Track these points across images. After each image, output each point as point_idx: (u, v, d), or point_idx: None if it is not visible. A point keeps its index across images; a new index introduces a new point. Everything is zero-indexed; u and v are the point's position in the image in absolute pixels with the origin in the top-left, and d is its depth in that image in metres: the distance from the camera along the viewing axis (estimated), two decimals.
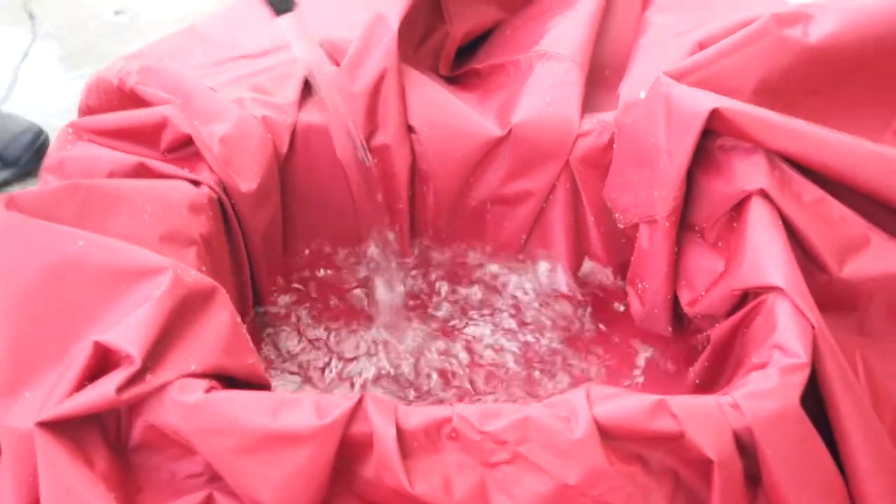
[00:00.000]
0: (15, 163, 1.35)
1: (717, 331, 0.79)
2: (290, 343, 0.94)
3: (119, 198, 0.77)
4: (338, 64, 0.94)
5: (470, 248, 0.99)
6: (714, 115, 0.81)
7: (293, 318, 0.95)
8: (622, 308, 0.95)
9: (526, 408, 0.67)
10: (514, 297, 0.97)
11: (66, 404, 0.66)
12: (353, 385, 0.90)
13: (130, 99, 0.94)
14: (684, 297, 0.85)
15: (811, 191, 0.80)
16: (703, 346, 0.82)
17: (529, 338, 0.94)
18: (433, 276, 0.98)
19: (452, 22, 1.03)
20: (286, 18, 0.85)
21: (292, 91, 0.94)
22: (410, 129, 0.93)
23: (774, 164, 0.81)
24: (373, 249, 0.98)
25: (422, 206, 0.96)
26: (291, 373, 0.91)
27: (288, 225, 0.94)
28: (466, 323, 0.96)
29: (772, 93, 0.87)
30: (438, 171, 0.94)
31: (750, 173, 0.80)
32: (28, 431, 0.68)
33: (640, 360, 0.91)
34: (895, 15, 0.92)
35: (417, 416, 0.67)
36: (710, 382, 0.80)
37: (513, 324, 0.95)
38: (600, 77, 0.99)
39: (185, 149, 0.86)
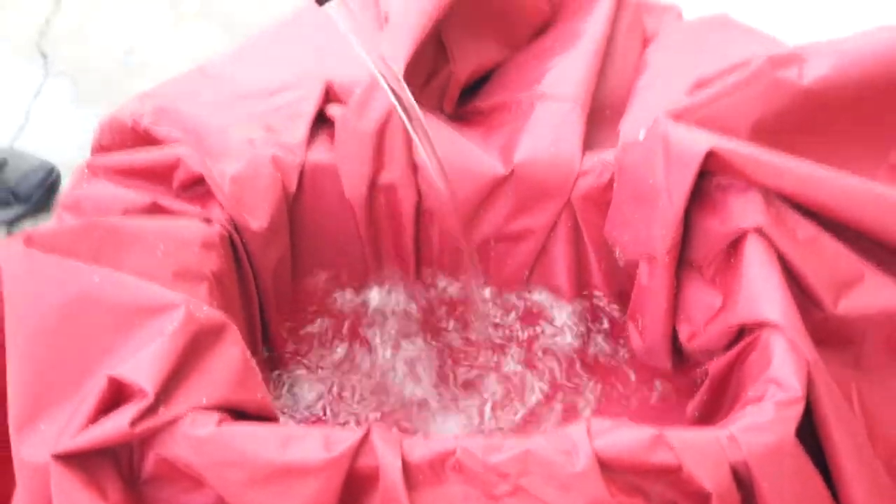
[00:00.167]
0: (27, 199, 1.38)
1: (715, 365, 0.81)
2: (300, 384, 0.95)
3: (133, 235, 0.80)
4: (346, 104, 0.96)
5: (474, 283, 1.01)
6: (711, 154, 0.83)
7: (301, 358, 0.97)
8: (622, 342, 0.97)
9: (528, 441, 0.69)
10: (518, 330, 0.99)
11: (80, 437, 0.68)
12: (358, 421, 0.92)
13: (144, 138, 0.96)
14: (683, 332, 0.87)
15: (806, 228, 0.82)
16: (702, 380, 0.83)
17: (532, 371, 0.96)
18: (441, 310, 1.00)
19: (456, 62, 1.05)
20: (331, 6, 0.82)
21: (301, 131, 0.96)
22: (416, 168, 0.95)
23: (770, 202, 0.83)
24: (374, 296, 1.00)
25: (427, 243, 0.98)
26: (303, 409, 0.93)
27: (297, 262, 0.96)
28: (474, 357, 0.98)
29: (768, 132, 0.90)
30: (443, 207, 0.96)
31: (746, 211, 0.82)
32: (43, 464, 0.70)
33: (641, 394, 0.93)
34: (887, 56, 0.95)
35: (422, 448, 0.69)
36: (709, 415, 0.82)
37: (520, 356, 0.97)
38: (601, 116, 1.01)
39: (197, 187, 0.88)
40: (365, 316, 1.00)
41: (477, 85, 1.09)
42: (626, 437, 0.68)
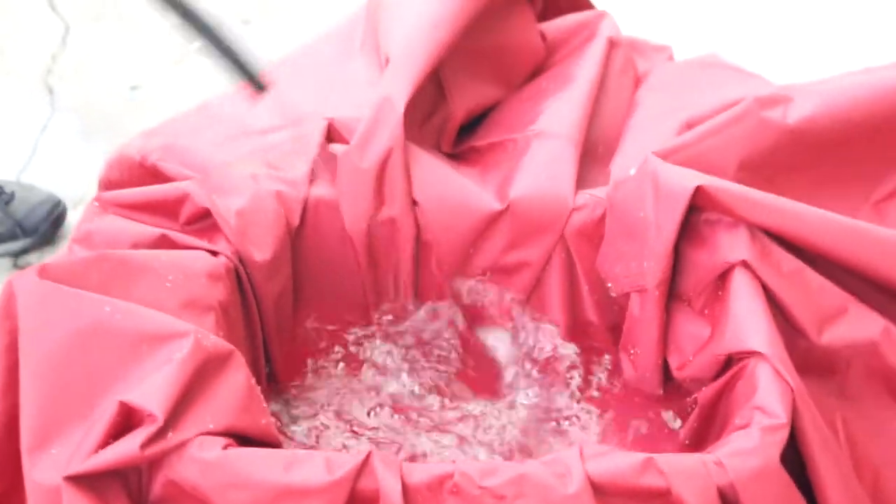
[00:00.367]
0: (34, 232, 1.40)
1: (704, 393, 0.83)
2: (299, 411, 0.98)
3: (143, 267, 0.83)
4: (347, 142, 1.00)
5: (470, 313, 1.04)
6: (698, 191, 0.86)
7: (303, 388, 1.00)
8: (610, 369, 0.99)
9: (523, 465, 0.72)
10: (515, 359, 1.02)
11: (92, 460, 0.71)
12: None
13: (151, 174, 1.00)
14: (674, 362, 0.90)
15: (790, 262, 0.86)
16: (692, 408, 0.86)
17: (528, 398, 0.98)
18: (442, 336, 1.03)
19: (454, 101, 1.09)
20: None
21: (303, 167, 0.99)
22: (415, 203, 0.98)
23: (756, 237, 0.86)
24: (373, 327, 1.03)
25: (426, 274, 1.01)
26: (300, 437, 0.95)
27: (298, 293, 0.99)
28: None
29: (753, 170, 0.93)
30: (441, 242, 0.99)
31: (733, 246, 0.85)
32: (54, 486, 0.72)
33: (633, 422, 0.95)
34: (867, 98, 0.99)
35: (421, 472, 0.72)
36: (699, 442, 0.85)
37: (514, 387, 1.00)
38: (593, 154, 1.05)
39: (203, 221, 0.91)
40: (363, 345, 1.02)
41: (474, 124, 1.13)
42: (618, 462, 0.71)
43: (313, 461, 0.71)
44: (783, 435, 0.73)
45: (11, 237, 1.40)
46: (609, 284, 0.96)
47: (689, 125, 1.00)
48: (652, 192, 0.89)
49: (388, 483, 0.71)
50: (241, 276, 0.90)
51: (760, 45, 1.77)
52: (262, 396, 0.80)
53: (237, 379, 0.78)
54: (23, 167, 1.56)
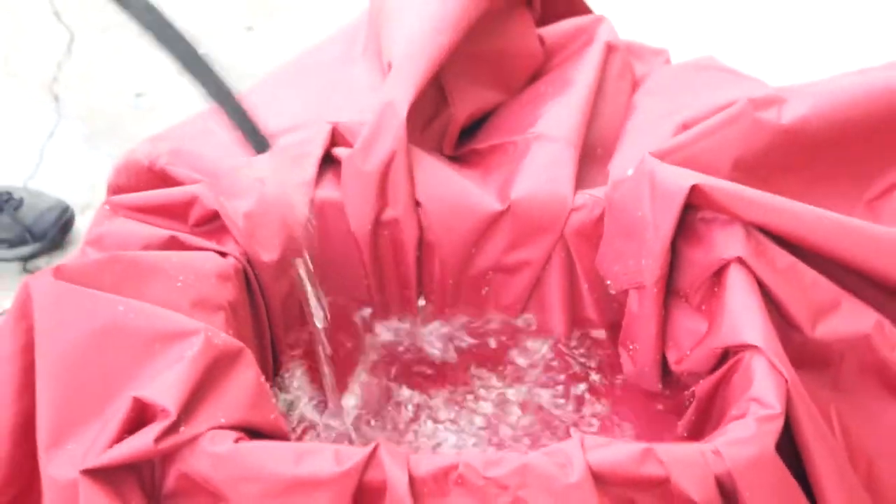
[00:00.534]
0: (42, 237, 1.43)
1: (701, 387, 0.86)
2: (304, 406, 1.00)
3: (154, 268, 0.85)
4: (351, 146, 1.02)
5: (473, 313, 1.06)
6: (694, 190, 0.88)
7: (308, 383, 1.02)
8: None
9: (526, 455, 0.74)
10: (516, 358, 1.04)
11: (108, 454, 0.73)
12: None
13: (160, 178, 1.02)
14: (672, 357, 0.92)
15: (784, 258, 0.88)
16: (690, 402, 0.88)
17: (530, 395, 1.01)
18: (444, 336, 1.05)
19: (455, 105, 1.11)
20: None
21: (309, 169, 1.02)
22: (418, 205, 1.01)
23: (750, 234, 0.88)
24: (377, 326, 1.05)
25: (429, 274, 1.03)
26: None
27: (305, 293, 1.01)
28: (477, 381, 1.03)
29: (748, 170, 0.95)
30: (444, 242, 1.01)
31: (728, 243, 0.87)
32: (70, 481, 0.74)
33: (632, 416, 0.97)
34: (861, 99, 1.01)
35: (427, 463, 0.74)
36: (697, 434, 0.86)
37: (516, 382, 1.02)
38: (592, 156, 1.07)
39: (212, 223, 0.94)
40: (368, 344, 1.04)
41: (474, 127, 1.15)
42: (618, 451, 0.73)
43: (322, 453, 0.73)
44: (778, 424, 0.75)
45: (21, 242, 1.43)
46: (608, 282, 0.98)
47: (685, 126, 1.02)
48: (649, 192, 0.91)
49: (395, 475, 0.73)
50: (249, 277, 0.93)
51: (756, 48, 1.80)
52: (270, 392, 0.82)
53: (247, 375, 0.80)
54: (30, 174, 1.59)
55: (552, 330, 1.03)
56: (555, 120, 1.07)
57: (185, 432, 0.74)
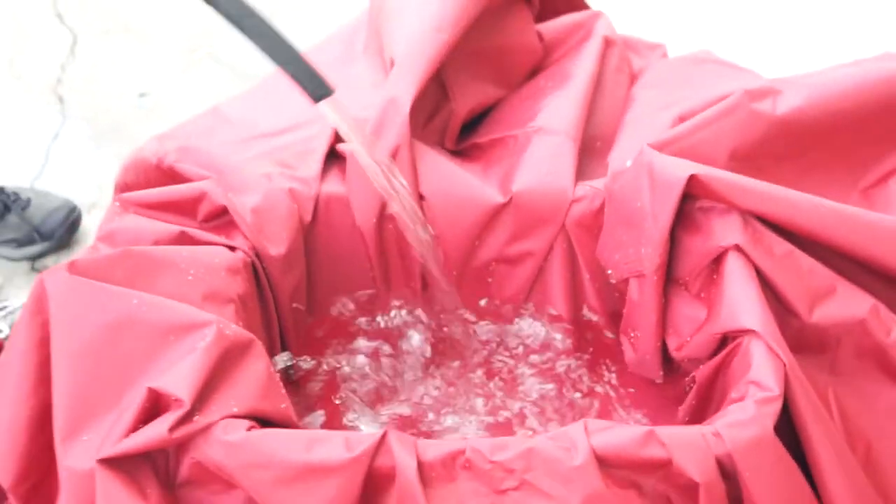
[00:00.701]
0: (50, 236, 1.44)
1: (701, 372, 0.87)
2: (312, 395, 1.02)
3: (165, 262, 0.87)
4: None
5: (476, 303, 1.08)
6: (692, 180, 0.90)
7: (315, 373, 1.04)
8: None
9: (531, 440, 0.76)
10: (520, 346, 1.06)
11: (124, 443, 0.75)
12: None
13: (168, 175, 1.04)
14: (672, 344, 0.94)
15: (781, 245, 0.89)
16: (691, 387, 0.90)
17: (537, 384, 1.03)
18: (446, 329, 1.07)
19: (456, 100, 1.12)
20: (325, 104, 0.91)
21: (314, 165, 1.03)
22: (422, 198, 1.03)
23: (747, 222, 0.90)
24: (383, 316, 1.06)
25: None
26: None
27: (312, 285, 1.03)
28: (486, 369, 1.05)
29: (744, 160, 0.97)
30: (447, 235, 1.03)
31: (726, 231, 0.89)
32: (86, 471, 0.76)
33: (634, 402, 0.99)
34: (855, 89, 1.03)
35: (435, 449, 0.76)
36: (698, 419, 0.88)
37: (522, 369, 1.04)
38: (591, 148, 1.09)
39: (220, 218, 0.96)
40: (372, 334, 1.06)
41: (475, 122, 1.17)
42: (621, 435, 0.75)
43: (333, 440, 0.75)
44: (776, 406, 0.76)
45: (29, 242, 1.44)
46: (609, 271, 1.00)
47: (683, 118, 1.04)
48: (648, 182, 0.93)
49: (403, 460, 0.75)
50: (257, 270, 0.94)
51: (751, 41, 1.81)
52: (280, 383, 0.84)
53: (258, 366, 0.82)
54: (36, 174, 1.60)
55: (554, 319, 1.05)
56: (554, 113, 1.09)
57: (198, 421, 0.76)
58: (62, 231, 1.45)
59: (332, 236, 1.02)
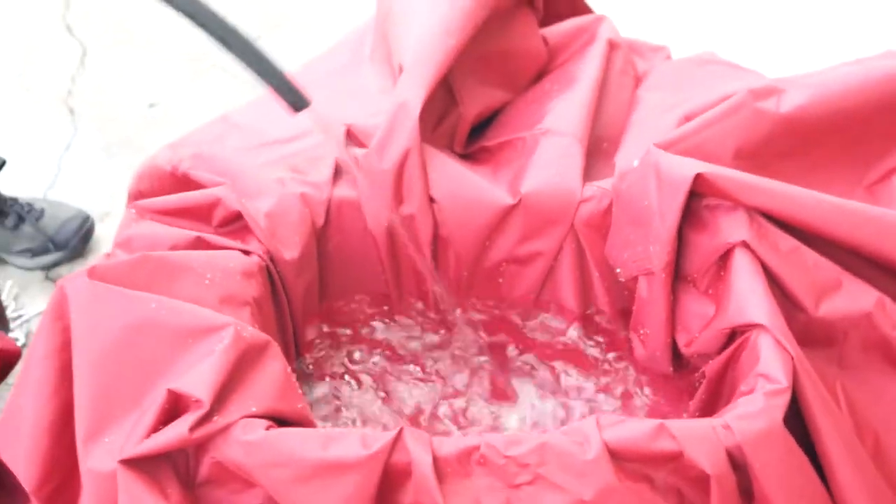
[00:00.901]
0: (64, 246, 1.46)
1: (711, 367, 0.89)
2: (323, 394, 1.04)
3: (183, 267, 0.88)
4: (366, 146, 1.05)
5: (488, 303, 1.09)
6: (698, 179, 0.91)
7: (326, 372, 1.05)
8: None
9: (544, 435, 0.77)
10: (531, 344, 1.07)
11: (145, 444, 0.76)
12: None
13: (182, 182, 1.05)
14: (681, 340, 0.95)
15: (787, 241, 0.91)
16: (700, 382, 0.91)
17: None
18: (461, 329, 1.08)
19: (464, 104, 1.14)
20: (304, 114, 0.94)
21: (326, 170, 1.05)
22: (432, 201, 1.04)
23: (753, 219, 0.91)
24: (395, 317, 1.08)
25: (444, 267, 1.06)
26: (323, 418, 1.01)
27: (324, 287, 1.05)
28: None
29: (749, 158, 0.98)
30: (458, 236, 1.04)
31: (732, 228, 0.91)
32: (108, 472, 0.77)
33: (644, 398, 1.00)
34: (859, 87, 1.04)
35: (450, 445, 0.77)
36: (709, 413, 0.90)
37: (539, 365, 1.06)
38: (598, 149, 1.10)
39: (235, 223, 0.97)
40: (385, 334, 1.08)
41: (483, 125, 1.18)
42: (632, 428, 0.76)
43: (349, 438, 0.77)
44: (785, 398, 0.78)
45: (43, 251, 1.46)
46: (618, 270, 1.01)
47: (688, 118, 1.05)
48: (655, 181, 0.94)
49: (419, 456, 0.76)
50: (272, 274, 0.96)
51: (754, 42, 1.82)
52: (296, 383, 0.85)
53: (275, 366, 0.83)
54: (49, 185, 1.62)
55: (565, 318, 1.07)
56: (561, 116, 1.10)
57: (218, 421, 0.77)
58: (76, 241, 1.47)
59: (343, 240, 1.04)
